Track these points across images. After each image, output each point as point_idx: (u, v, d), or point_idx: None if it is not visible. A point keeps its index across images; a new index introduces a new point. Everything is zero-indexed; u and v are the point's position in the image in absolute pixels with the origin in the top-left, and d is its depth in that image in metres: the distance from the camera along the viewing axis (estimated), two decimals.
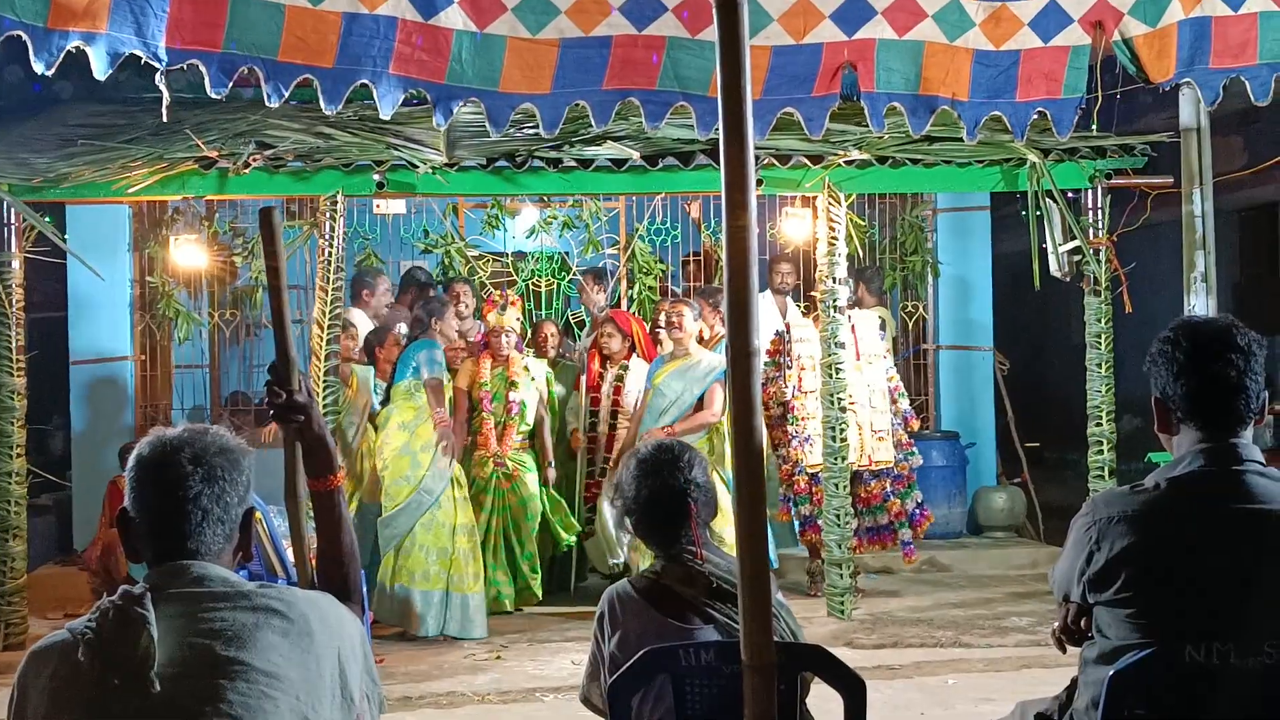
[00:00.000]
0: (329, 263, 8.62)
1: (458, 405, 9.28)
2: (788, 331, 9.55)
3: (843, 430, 8.87)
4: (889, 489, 9.37)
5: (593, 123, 5.25)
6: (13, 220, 8.63)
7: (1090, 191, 9.16)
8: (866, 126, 5.57)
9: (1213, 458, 3.07)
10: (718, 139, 2.81)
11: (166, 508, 2.56)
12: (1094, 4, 5.25)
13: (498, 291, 9.80)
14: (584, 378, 9.65)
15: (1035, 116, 5.47)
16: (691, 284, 11.77)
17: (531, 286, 11.72)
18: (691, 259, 12.07)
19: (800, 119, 5.40)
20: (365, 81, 4.94)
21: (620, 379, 9.41)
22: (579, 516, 9.57)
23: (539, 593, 9.32)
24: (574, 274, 11.61)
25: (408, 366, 8.85)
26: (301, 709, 2.45)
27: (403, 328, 9.52)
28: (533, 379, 9.36)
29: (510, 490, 9.16)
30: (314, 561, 3.02)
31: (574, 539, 9.54)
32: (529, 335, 10.15)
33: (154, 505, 2.58)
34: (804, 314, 10.08)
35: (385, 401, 9.03)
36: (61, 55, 4.60)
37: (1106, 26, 5.26)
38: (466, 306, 10.10)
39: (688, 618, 3.51)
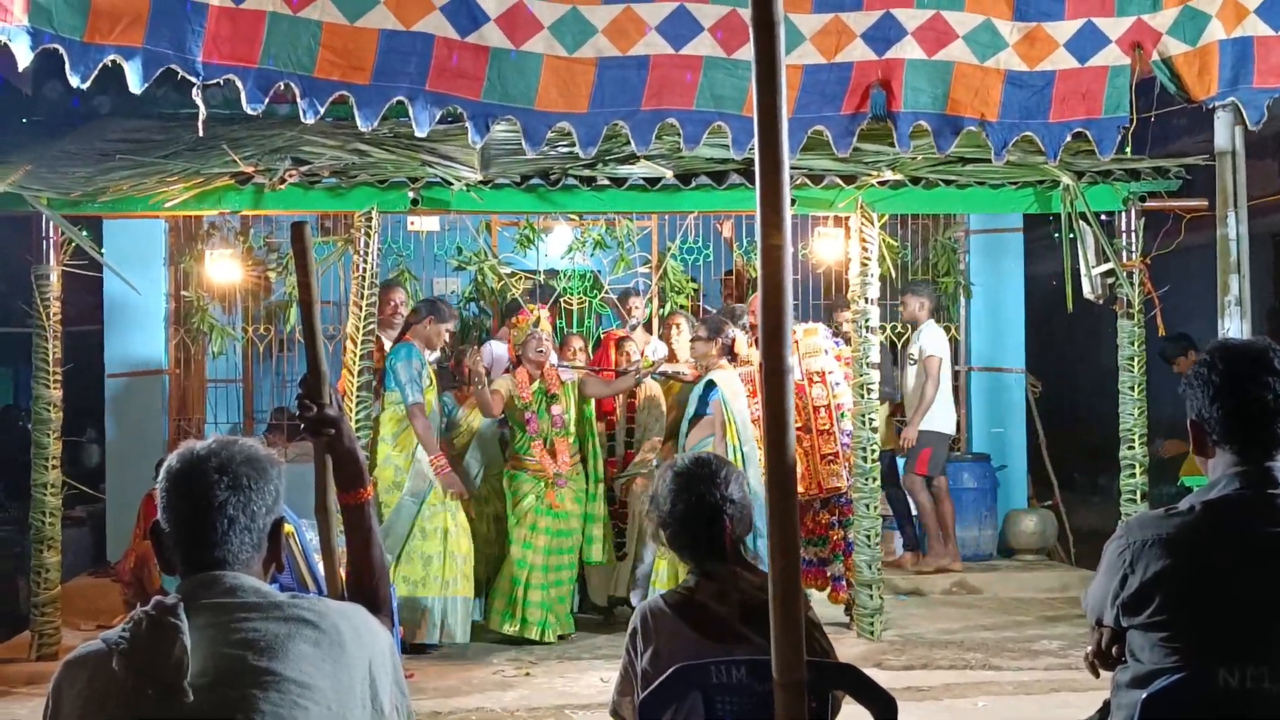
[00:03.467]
0: (363, 279, 8.65)
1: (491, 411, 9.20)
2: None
3: (873, 450, 8.85)
4: (835, 519, 9.01)
5: (632, 144, 5.26)
6: (51, 234, 8.71)
7: (1124, 214, 9.12)
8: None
9: (1248, 481, 3.05)
10: (751, 158, 2.82)
11: (193, 516, 2.59)
12: (1131, 25, 5.25)
13: (530, 304, 9.78)
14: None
15: (1069, 138, 5.46)
16: (724, 302, 11.79)
17: (563, 304, 11.74)
18: (726, 277, 12.09)
19: (829, 137, 5.41)
20: (401, 98, 4.97)
21: (633, 394, 9.43)
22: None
23: (553, 636, 9.04)
24: (606, 291, 11.64)
25: (388, 376, 8.75)
26: (333, 719, 2.46)
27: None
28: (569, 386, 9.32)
29: (554, 521, 9.04)
30: (344, 575, 3.04)
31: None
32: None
33: (182, 514, 2.61)
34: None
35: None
36: (97, 69, 4.64)
37: (1145, 47, 5.26)
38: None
39: (720, 635, 3.50)
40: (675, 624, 3.56)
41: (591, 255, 11.70)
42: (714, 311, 11.03)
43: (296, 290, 3.10)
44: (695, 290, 11.74)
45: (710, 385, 8.83)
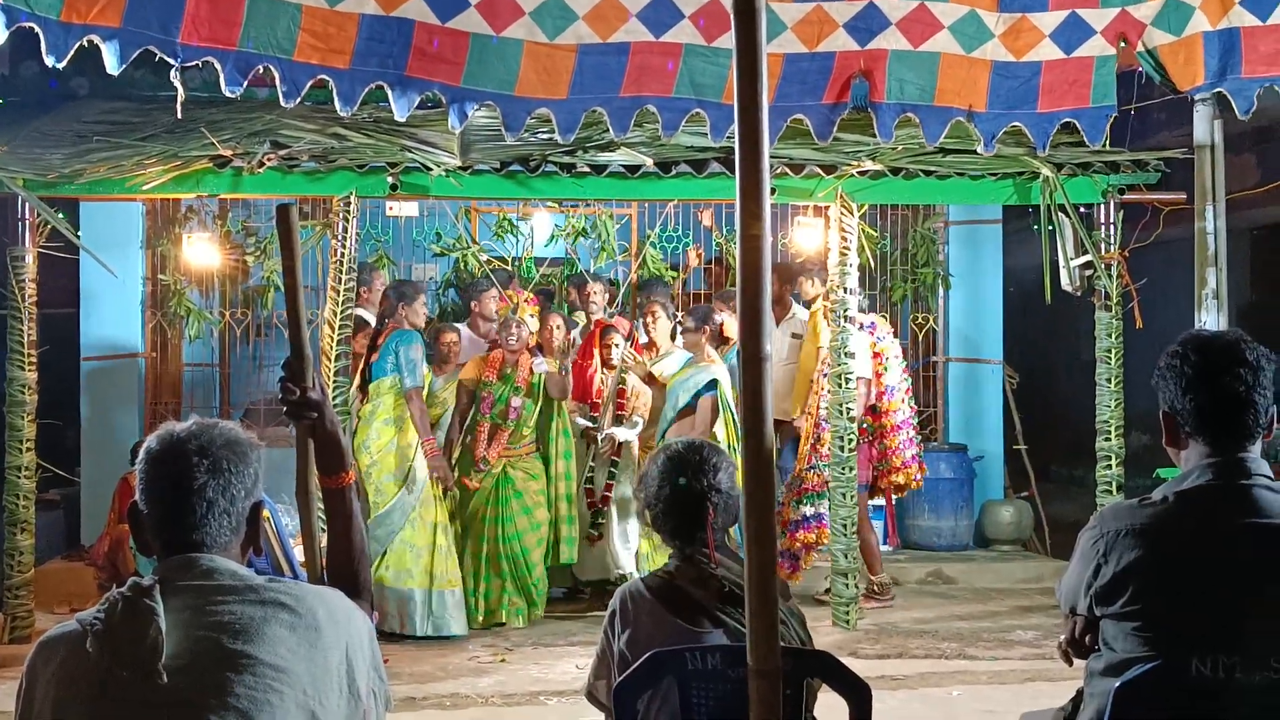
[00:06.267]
0: (341, 263, 8.62)
1: (457, 398, 9.23)
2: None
3: (851, 441, 8.87)
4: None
5: (610, 130, 5.25)
6: (27, 215, 8.66)
7: (1103, 206, 9.14)
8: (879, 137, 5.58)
9: (1221, 472, 3.07)
10: (731, 146, 2.81)
11: (172, 499, 2.59)
12: (1115, 16, 5.26)
13: (509, 292, 9.76)
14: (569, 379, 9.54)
15: (1056, 128, 5.48)
16: (709, 289, 11.81)
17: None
18: (710, 266, 12.11)
19: (810, 126, 5.41)
20: (381, 83, 4.95)
21: (622, 383, 9.42)
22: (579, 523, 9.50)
23: (539, 611, 9.20)
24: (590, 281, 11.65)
25: (386, 360, 8.75)
26: (308, 703, 2.46)
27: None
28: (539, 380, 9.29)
29: (510, 507, 9.03)
30: (323, 560, 3.03)
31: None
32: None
33: (160, 496, 2.60)
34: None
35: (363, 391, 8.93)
36: (74, 49, 4.60)
37: (1130, 38, 5.27)
38: (495, 308, 10.07)
39: (698, 620, 3.51)
40: (654, 607, 3.57)
41: (573, 243, 11.70)
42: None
43: (280, 273, 3.10)
44: (675, 278, 11.73)
45: (712, 383, 8.87)
